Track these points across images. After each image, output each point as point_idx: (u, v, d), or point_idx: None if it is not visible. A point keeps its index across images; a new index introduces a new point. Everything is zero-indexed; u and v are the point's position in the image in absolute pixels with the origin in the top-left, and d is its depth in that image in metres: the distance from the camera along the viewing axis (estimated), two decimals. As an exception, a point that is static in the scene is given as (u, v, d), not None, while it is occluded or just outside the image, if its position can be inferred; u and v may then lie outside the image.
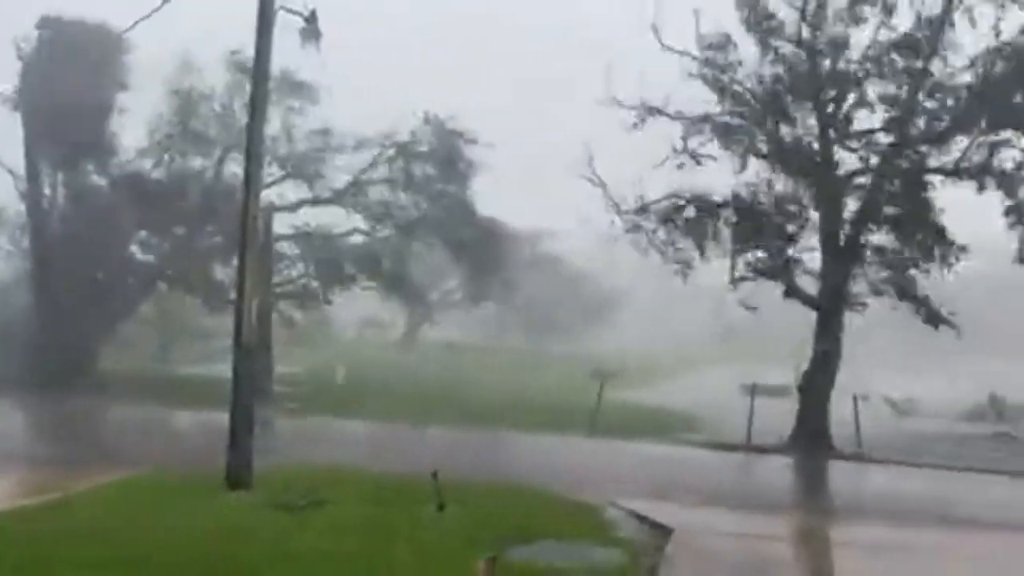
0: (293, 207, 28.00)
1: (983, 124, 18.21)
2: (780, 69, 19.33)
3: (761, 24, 19.21)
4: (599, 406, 20.75)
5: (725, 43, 19.47)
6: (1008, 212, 18.53)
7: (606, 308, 51.55)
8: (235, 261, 14.36)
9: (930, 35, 18.35)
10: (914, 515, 11.68)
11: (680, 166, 19.84)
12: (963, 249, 18.64)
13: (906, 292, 19.06)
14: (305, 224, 28.12)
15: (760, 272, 19.46)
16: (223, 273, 26.69)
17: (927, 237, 18.58)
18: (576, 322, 49.49)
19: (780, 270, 19.32)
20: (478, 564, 7.13)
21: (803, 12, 19.03)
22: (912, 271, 19.03)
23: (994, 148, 18.33)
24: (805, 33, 19.09)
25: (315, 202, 28.33)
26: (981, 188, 18.45)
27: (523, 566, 7.79)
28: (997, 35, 17.96)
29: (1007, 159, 18.40)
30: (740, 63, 19.61)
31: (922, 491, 14.17)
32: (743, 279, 19.59)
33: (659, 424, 22.22)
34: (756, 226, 19.53)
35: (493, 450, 17.13)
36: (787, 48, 19.26)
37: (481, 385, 27.12)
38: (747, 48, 19.60)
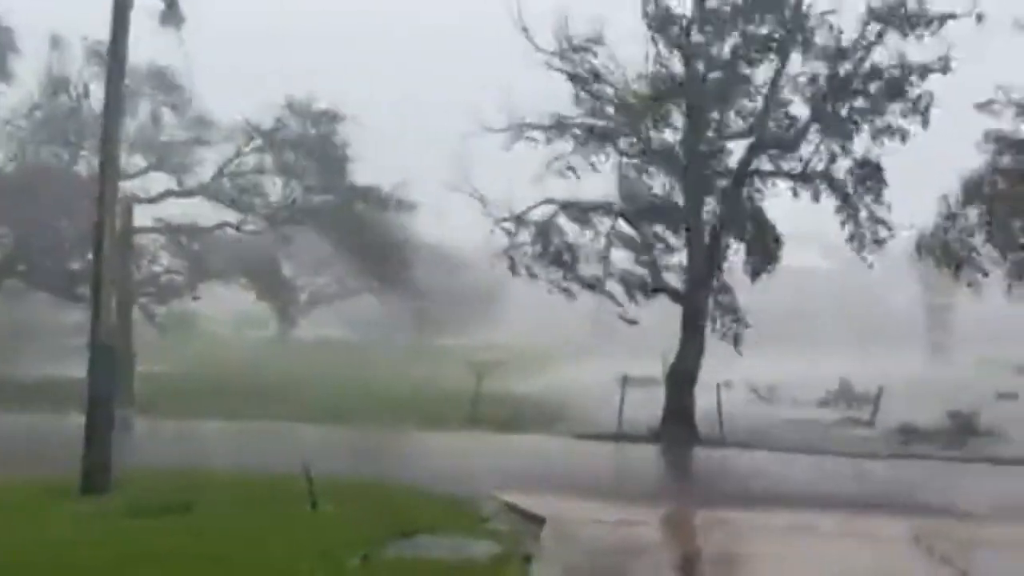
0: (158, 198, 26.73)
1: (821, 132, 19.34)
2: (650, 70, 19.99)
3: (662, 26, 19.76)
4: (478, 399, 20.90)
5: (591, 45, 19.86)
6: (838, 211, 19.68)
7: (492, 300, 51.79)
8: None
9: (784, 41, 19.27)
10: (771, 497, 12.38)
11: (560, 173, 20.20)
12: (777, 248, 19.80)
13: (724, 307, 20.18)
14: (171, 216, 26.93)
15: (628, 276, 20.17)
16: (81, 268, 25.26)
17: (759, 236, 19.69)
18: (461, 315, 49.50)
19: (648, 266, 20.08)
20: (352, 562, 7.06)
21: (681, 18, 19.69)
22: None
23: (833, 156, 19.47)
24: (682, 37, 19.77)
25: (181, 193, 27.12)
26: (817, 193, 19.62)
27: (399, 562, 7.78)
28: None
29: (841, 167, 19.54)
30: (613, 66, 20.11)
31: (778, 474, 15.01)
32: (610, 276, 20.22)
33: (537, 416, 22.58)
34: (632, 226, 20.26)
35: (370, 447, 16.97)
36: (666, 51, 19.92)
37: (358, 381, 26.77)
38: (626, 50, 20.12)
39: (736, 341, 20.67)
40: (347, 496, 10.03)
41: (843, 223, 19.75)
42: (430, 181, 21.68)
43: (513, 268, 20.70)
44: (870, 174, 19.31)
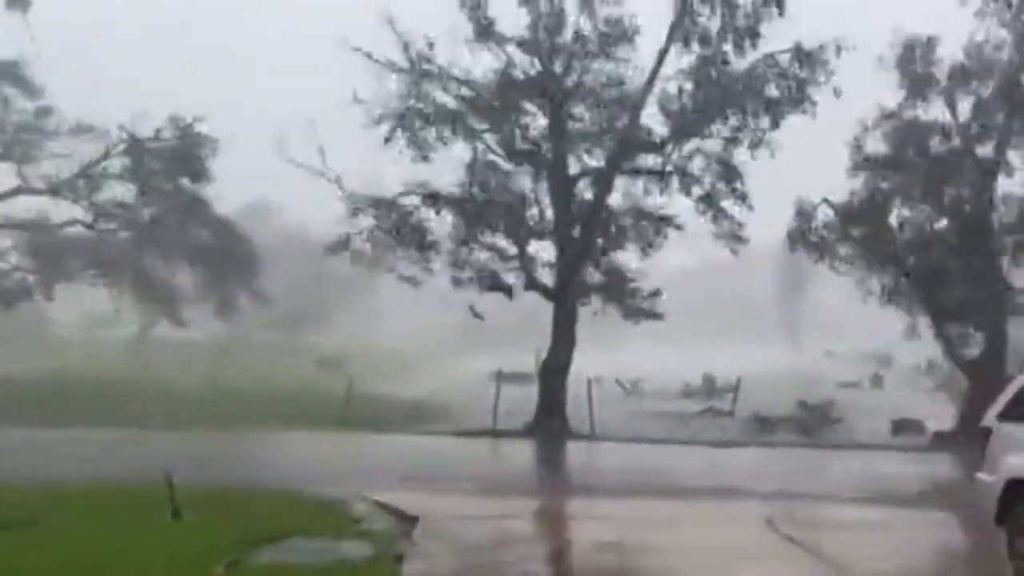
0: (6, 195, 25.11)
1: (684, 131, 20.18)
2: (512, 68, 20.27)
3: (483, 26, 19.97)
4: (349, 399, 20.65)
5: (433, 41, 20.00)
6: (698, 203, 20.63)
7: (359, 298, 51.05)
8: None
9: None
10: (637, 487, 12.87)
11: (416, 159, 20.22)
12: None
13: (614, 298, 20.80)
14: (16, 214, 25.31)
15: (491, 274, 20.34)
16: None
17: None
18: (331, 312, 48.56)
19: (516, 267, 20.42)
20: (216, 570, 6.87)
21: (537, 17, 20.00)
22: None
23: (692, 153, 20.38)
24: (538, 36, 20.10)
25: (30, 191, 25.59)
26: (688, 190, 20.49)
27: (267, 567, 7.61)
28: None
29: (697, 165, 20.52)
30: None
31: (644, 464, 15.59)
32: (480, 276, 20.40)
33: (411, 414, 22.54)
34: (488, 220, 20.47)
35: (236, 451, 16.44)
36: (518, 50, 20.20)
37: (222, 382, 25.89)
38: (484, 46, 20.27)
39: (637, 313, 20.99)
40: (212, 503, 9.71)
41: (707, 218, 20.61)
42: (301, 182, 21.25)
43: (366, 256, 20.59)
44: (728, 173, 20.21)
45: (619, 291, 20.75)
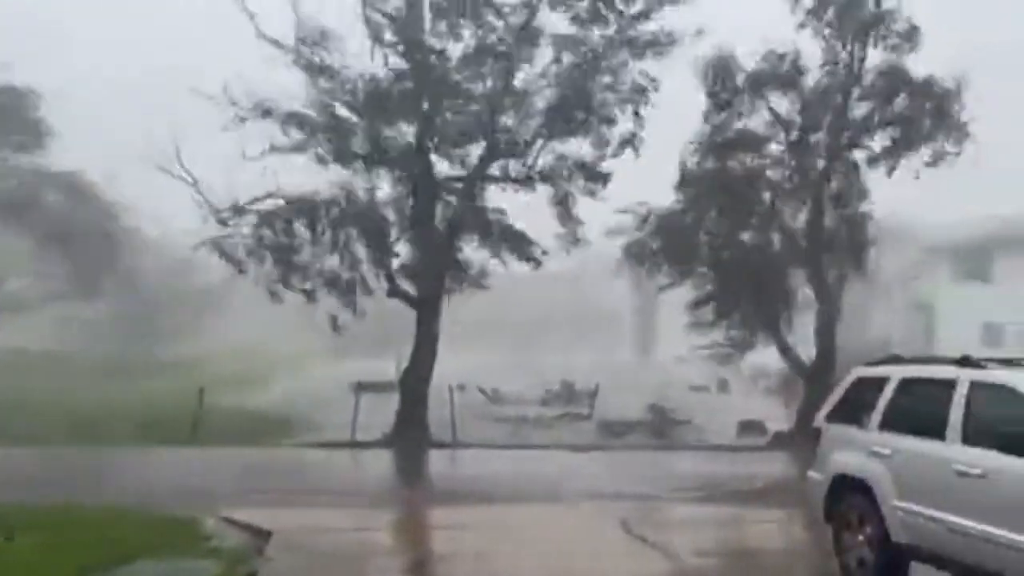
0: None
1: (547, 135, 20.38)
2: (384, 71, 20.09)
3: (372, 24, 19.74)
4: (201, 412, 19.77)
5: (321, 38, 19.59)
6: (556, 205, 20.84)
7: (213, 303, 48.90)
8: None
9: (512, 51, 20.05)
10: (499, 493, 13.02)
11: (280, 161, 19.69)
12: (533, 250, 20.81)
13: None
14: None
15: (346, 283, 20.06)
16: None
17: (506, 240, 20.53)
18: (186, 320, 46.23)
19: (377, 274, 20.20)
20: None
21: (398, 19, 19.88)
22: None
23: (558, 157, 20.62)
24: (406, 38, 20.00)
25: None
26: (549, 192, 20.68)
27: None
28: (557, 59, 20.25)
29: (562, 167, 20.70)
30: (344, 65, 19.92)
31: (504, 471, 15.76)
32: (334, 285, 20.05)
33: (268, 427, 21.82)
34: (360, 226, 20.17)
35: (77, 469, 15.38)
36: (391, 52, 20.06)
37: (61, 396, 24.15)
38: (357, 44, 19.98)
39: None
40: (51, 524, 9.09)
41: (561, 220, 20.87)
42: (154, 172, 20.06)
43: (232, 259, 19.87)
44: (592, 176, 20.62)
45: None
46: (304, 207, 19.81)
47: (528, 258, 20.78)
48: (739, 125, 21.62)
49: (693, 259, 22.03)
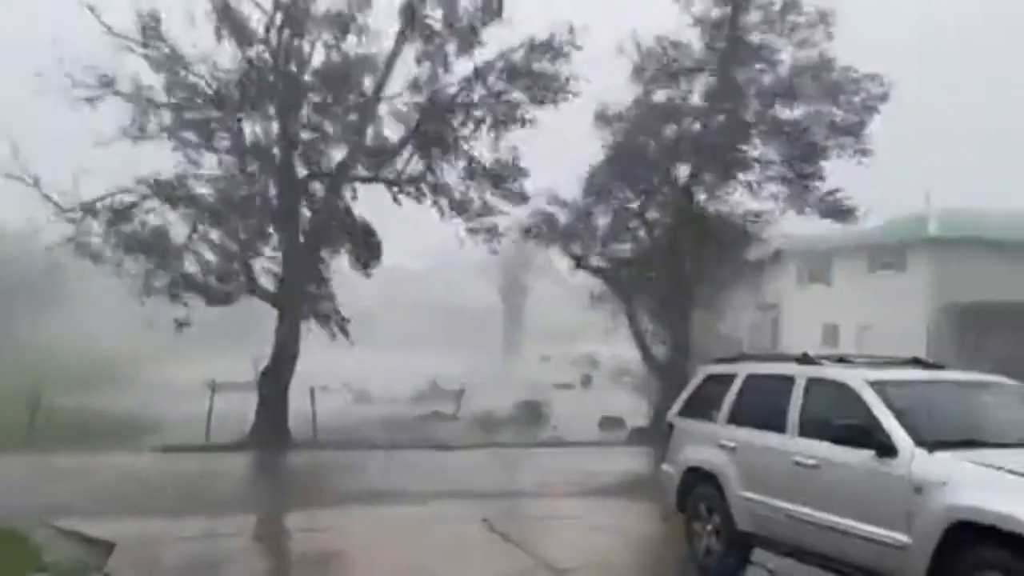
0: None
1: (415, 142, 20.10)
2: (247, 68, 19.36)
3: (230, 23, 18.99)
4: (35, 415, 18.45)
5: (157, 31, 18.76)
6: (434, 205, 20.59)
7: (56, 303, 45.86)
8: None
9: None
10: (361, 494, 12.80)
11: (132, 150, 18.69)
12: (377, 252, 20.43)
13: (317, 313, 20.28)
14: None
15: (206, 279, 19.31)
16: None
17: (355, 242, 20.10)
18: (21, 318, 43.05)
19: (237, 271, 19.46)
20: None
21: (271, 19, 19.28)
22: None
23: (431, 163, 20.38)
24: (271, 38, 19.39)
25: None
26: (420, 197, 20.43)
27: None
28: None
29: (441, 173, 20.45)
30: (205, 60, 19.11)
31: (367, 472, 15.51)
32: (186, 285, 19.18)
33: (113, 430, 20.62)
34: (220, 222, 19.37)
35: None
36: (254, 51, 19.38)
37: None
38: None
39: (343, 333, 20.57)
40: None
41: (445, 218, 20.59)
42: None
43: (89, 256, 18.72)
44: (481, 174, 20.38)
45: (324, 309, 20.26)
46: (163, 200, 18.86)
47: (368, 262, 20.29)
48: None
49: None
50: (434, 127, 19.64)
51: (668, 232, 22.13)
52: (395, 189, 20.35)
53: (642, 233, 22.83)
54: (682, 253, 21.73)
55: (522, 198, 20.72)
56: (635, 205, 22.73)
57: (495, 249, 21.85)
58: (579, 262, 22.93)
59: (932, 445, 6.34)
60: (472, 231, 20.62)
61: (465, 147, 20.06)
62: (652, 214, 22.69)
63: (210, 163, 19.75)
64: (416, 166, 20.24)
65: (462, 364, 37.43)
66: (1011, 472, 5.79)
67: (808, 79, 20.94)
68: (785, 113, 21.52)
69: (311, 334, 20.55)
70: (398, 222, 21.28)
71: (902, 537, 6.22)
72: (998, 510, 5.63)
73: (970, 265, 28.89)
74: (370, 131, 20.33)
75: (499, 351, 61.37)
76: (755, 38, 21.31)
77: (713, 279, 22.89)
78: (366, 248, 20.16)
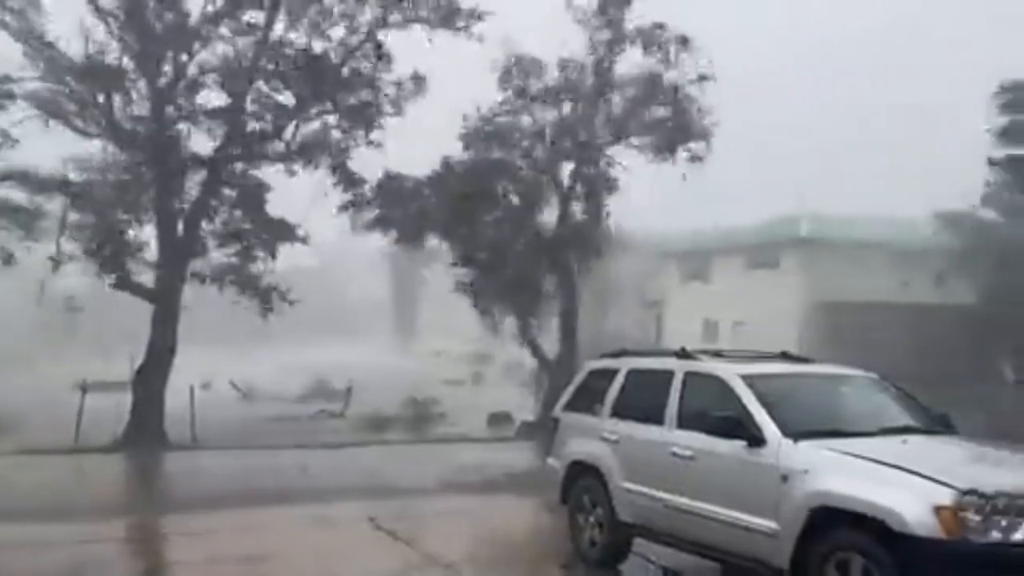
0: None
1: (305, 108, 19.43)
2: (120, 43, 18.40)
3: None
4: None
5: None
6: (336, 181, 20.10)
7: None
8: None
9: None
10: (241, 496, 12.43)
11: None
12: (298, 236, 19.92)
13: (248, 285, 19.80)
14: None
15: (90, 256, 18.28)
16: None
17: (261, 225, 19.46)
18: None
19: (108, 260, 18.45)
20: None
21: None
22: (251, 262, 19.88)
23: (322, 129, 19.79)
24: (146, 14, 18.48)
25: None
26: (314, 166, 19.74)
27: None
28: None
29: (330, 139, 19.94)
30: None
31: (247, 473, 15.04)
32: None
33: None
34: (93, 208, 18.35)
35: None
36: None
37: None
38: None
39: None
40: None
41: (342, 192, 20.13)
42: None
43: None
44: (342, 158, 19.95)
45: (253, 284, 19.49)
46: (28, 185, 17.74)
47: (271, 253, 19.72)
48: (505, 120, 22.25)
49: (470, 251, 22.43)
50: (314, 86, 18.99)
51: (556, 228, 22.50)
52: (283, 164, 19.64)
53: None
54: (567, 253, 22.15)
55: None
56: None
57: (360, 226, 21.30)
58: (462, 259, 22.93)
59: (797, 435, 6.69)
60: (343, 208, 20.26)
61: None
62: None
63: (83, 147, 18.69)
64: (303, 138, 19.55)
65: (353, 361, 36.85)
66: (865, 459, 6.19)
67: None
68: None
69: (193, 329, 19.80)
70: (291, 217, 20.67)
71: (771, 523, 6.54)
72: (852, 494, 6.02)
73: (837, 264, 30.65)
74: (250, 108, 19.46)
75: (391, 348, 60.84)
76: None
77: (596, 278, 23.38)
78: (276, 230, 19.56)
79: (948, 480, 5.71)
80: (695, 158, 21.81)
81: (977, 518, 5.53)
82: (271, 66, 19.08)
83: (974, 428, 8.15)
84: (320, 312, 69.08)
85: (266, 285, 19.82)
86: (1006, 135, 26.73)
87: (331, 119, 19.92)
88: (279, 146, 19.83)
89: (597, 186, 22.38)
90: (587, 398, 9.04)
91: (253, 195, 19.60)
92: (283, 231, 19.76)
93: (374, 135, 19.91)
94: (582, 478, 8.69)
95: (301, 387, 32.26)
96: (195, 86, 19.11)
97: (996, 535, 5.53)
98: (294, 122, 19.62)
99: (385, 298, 67.85)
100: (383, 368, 39.23)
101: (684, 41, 21.33)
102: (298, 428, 23.06)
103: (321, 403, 28.52)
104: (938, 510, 5.58)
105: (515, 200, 22.44)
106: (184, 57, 18.92)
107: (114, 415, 18.81)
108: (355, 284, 69.76)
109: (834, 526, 6.11)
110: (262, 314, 19.99)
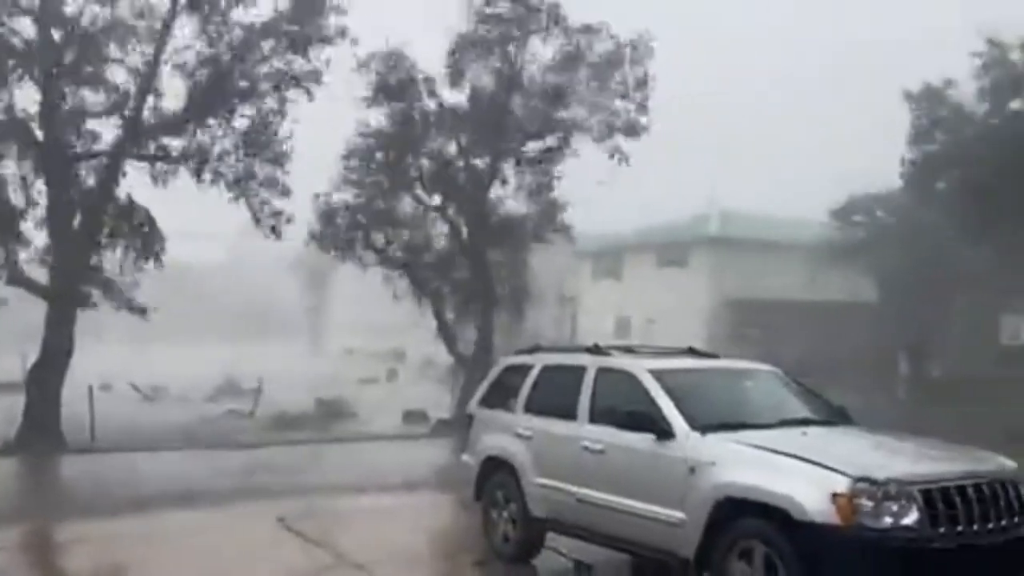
0: None
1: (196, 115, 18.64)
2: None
3: None
4: None
5: None
6: (231, 187, 19.34)
7: None
8: None
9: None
10: (143, 499, 11.96)
11: None
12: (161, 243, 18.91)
13: (110, 288, 18.87)
14: None
15: None
16: None
17: (132, 229, 18.48)
18: None
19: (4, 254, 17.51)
20: None
21: None
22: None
23: (214, 136, 18.91)
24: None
25: None
26: (199, 174, 18.86)
27: None
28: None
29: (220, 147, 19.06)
30: None
31: (150, 476, 14.48)
32: None
33: None
34: None
35: None
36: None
37: None
38: None
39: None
40: None
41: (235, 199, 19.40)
42: None
43: None
44: (264, 155, 19.27)
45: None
46: None
47: (148, 256, 18.78)
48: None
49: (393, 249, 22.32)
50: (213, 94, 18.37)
51: (473, 226, 22.50)
52: (164, 167, 18.75)
53: (445, 228, 23.05)
54: (482, 250, 22.19)
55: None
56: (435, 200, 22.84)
57: (280, 233, 20.65)
58: (380, 255, 22.74)
59: (705, 428, 6.86)
60: (258, 220, 19.62)
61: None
62: (451, 211, 22.89)
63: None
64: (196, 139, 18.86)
65: (263, 360, 35.98)
66: (767, 450, 6.39)
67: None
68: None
69: (95, 329, 18.93)
70: (200, 212, 19.93)
71: (679, 515, 6.68)
72: (756, 484, 6.21)
73: (745, 263, 31.62)
74: (150, 102, 18.62)
75: (302, 346, 59.72)
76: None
77: (512, 274, 23.49)
78: (146, 239, 18.57)
79: (843, 468, 5.94)
80: (620, 157, 21.84)
81: (870, 504, 5.77)
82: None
83: (871, 419, 8.50)
84: (230, 310, 67.34)
85: (118, 290, 18.83)
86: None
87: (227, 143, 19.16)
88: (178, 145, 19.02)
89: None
90: (502, 394, 9.06)
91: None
92: (151, 239, 18.72)
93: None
94: (496, 474, 8.70)
95: (210, 387, 31.32)
96: (92, 80, 18.18)
97: (888, 520, 5.78)
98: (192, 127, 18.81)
99: (296, 296, 66.54)
100: (294, 367, 38.46)
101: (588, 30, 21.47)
102: (204, 429, 22.36)
103: (230, 403, 27.72)
104: (835, 497, 5.80)
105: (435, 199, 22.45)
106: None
107: (6, 416, 17.86)
108: (265, 281, 68.17)
109: (739, 516, 6.28)
110: (140, 315, 19.21)
